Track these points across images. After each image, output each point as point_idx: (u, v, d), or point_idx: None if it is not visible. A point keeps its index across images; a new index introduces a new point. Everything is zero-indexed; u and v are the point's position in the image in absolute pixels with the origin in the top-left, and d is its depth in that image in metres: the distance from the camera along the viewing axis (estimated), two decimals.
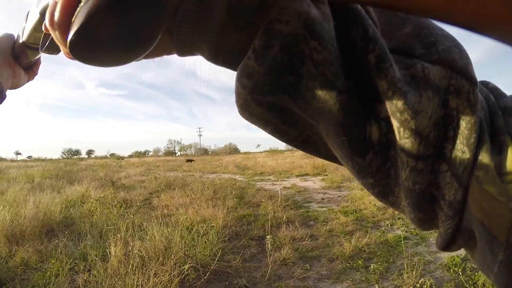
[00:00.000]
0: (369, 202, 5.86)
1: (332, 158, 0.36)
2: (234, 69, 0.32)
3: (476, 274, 2.97)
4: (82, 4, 0.24)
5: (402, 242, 3.83)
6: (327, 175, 10.63)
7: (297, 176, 11.46)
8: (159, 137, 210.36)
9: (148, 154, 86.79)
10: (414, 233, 4.33)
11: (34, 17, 0.47)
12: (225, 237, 4.22)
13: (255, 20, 0.28)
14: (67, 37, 0.25)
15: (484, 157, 0.28)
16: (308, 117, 0.31)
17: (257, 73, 0.29)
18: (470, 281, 2.89)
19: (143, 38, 0.27)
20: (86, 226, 4.62)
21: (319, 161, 13.66)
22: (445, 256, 3.48)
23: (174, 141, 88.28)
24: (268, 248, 3.72)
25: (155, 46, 0.28)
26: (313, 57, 0.27)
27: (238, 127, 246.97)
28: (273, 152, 52.23)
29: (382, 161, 0.31)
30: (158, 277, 2.96)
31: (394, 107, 0.28)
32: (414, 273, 3.02)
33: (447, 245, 0.34)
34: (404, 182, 0.31)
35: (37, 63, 0.68)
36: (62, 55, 0.35)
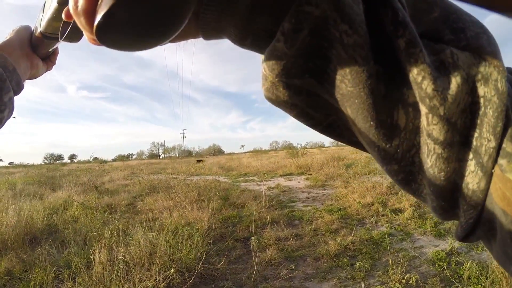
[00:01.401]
0: (353, 200, 5.90)
1: (356, 144, 0.35)
2: (262, 52, 0.32)
3: (461, 268, 3.01)
4: None
5: (387, 238, 3.86)
6: (311, 174, 10.72)
7: (281, 175, 11.44)
8: (142, 140, 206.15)
9: (132, 158, 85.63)
10: (399, 229, 4.38)
11: (52, 7, 0.47)
12: (210, 239, 4.20)
13: (284, 2, 0.28)
14: (93, 22, 0.25)
15: (509, 146, 0.27)
16: (335, 102, 0.31)
17: (285, 56, 0.29)
18: (455, 275, 2.92)
19: (171, 21, 0.26)
20: (70, 233, 4.49)
21: (303, 160, 13.78)
22: (430, 251, 3.53)
23: (158, 143, 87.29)
24: (253, 249, 3.68)
25: (183, 29, 0.28)
26: (343, 41, 0.27)
27: (221, 127, 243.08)
28: (257, 152, 52.41)
29: (407, 148, 0.31)
30: (144, 282, 2.91)
31: (424, 93, 0.28)
32: (399, 269, 3.03)
33: (466, 236, 0.33)
34: (429, 170, 0.30)
35: (55, 53, 0.69)
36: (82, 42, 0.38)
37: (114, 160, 73.00)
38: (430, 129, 0.28)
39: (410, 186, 0.33)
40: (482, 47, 0.29)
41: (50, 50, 0.64)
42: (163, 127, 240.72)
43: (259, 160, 20.09)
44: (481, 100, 0.28)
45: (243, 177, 11.93)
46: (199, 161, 26.65)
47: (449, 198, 0.31)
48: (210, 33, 0.32)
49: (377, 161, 0.33)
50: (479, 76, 0.28)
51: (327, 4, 0.26)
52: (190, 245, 3.70)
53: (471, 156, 0.29)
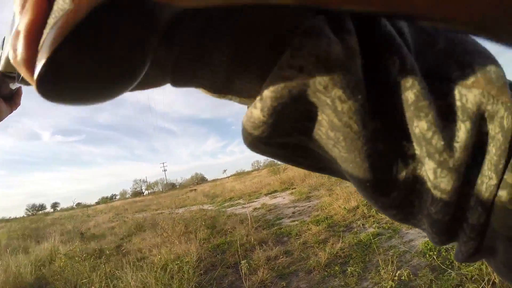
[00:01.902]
0: (338, 206, 5.89)
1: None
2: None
3: (451, 253, 3.02)
4: (47, 30, 0.19)
5: (375, 239, 3.88)
6: (295, 188, 10.66)
7: (266, 194, 11.35)
8: (124, 179, 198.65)
9: (115, 198, 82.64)
10: (386, 227, 4.38)
11: (9, 45, 0.44)
12: (201, 270, 4.10)
13: (266, 62, 0.25)
14: (33, 75, 0.20)
15: (509, 177, 0.26)
16: (328, 160, 0.29)
17: (264, 124, 0.26)
18: (447, 262, 2.94)
19: (125, 71, 0.22)
20: (60, 284, 4.34)
21: (285, 175, 13.77)
22: (419, 243, 3.54)
23: (140, 180, 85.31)
24: (243, 273, 3.63)
25: (142, 78, 0.24)
26: (336, 108, 0.24)
27: (202, 155, 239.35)
28: (240, 174, 52.10)
29: (406, 195, 0.29)
30: None
31: (433, 149, 0.26)
32: (390, 267, 3.03)
33: (468, 259, 0.32)
34: (433, 215, 0.29)
35: (18, 92, 0.62)
36: None
37: (97, 203, 70.36)
38: (438, 182, 0.27)
39: (408, 222, 0.32)
40: (491, 82, 0.26)
41: (13, 89, 0.59)
42: (143, 163, 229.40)
43: (243, 183, 19.91)
44: (485, 138, 0.27)
45: (229, 202, 11.75)
46: (192, 190, 26.52)
47: (450, 232, 0.30)
48: (181, 84, 0.29)
49: (374, 208, 0.32)
50: (486, 115, 0.26)
51: (314, 67, 0.22)
52: (181, 279, 3.60)
53: (471, 193, 0.28)
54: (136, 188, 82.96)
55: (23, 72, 0.22)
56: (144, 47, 0.22)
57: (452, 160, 0.26)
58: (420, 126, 0.25)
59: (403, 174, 0.28)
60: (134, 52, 0.22)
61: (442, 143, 0.25)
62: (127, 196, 79.29)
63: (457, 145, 0.26)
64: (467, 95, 0.26)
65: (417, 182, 0.28)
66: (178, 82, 0.28)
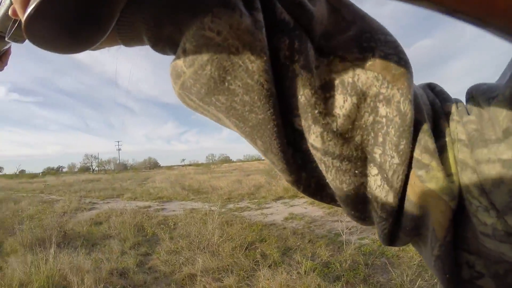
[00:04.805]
0: None
1: None
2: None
3: None
4: None
5: None
6: (303, 197, 9.57)
7: (273, 200, 10.20)
8: (74, 151, 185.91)
9: (61, 170, 75.87)
10: None
11: (5, 4, 0.43)
12: None
13: (186, 18, 0.29)
14: (25, 12, 0.24)
15: (424, 158, 0.30)
16: (246, 134, 0.34)
17: (184, 74, 0.31)
18: None
19: (105, 17, 0.27)
20: None
21: (284, 182, 12.57)
22: None
23: (91, 156, 78.19)
24: None
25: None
26: (247, 67, 0.29)
27: (156, 139, 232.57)
28: (198, 166, 50.48)
29: (304, 161, 0.34)
30: None
31: (317, 113, 0.30)
32: None
33: (390, 242, 0.35)
34: (331, 183, 0.33)
35: (6, 52, 0.60)
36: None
37: (43, 173, 62.59)
38: (326, 146, 0.31)
39: (321, 195, 0.37)
40: (388, 69, 0.30)
41: (1, 50, 0.56)
42: (96, 137, 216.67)
43: (216, 178, 18.47)
44: (384, 120, 0.30)
45: (232, 204, 10.20)
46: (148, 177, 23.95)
47: (360, 209, 0.34)
48: (127, 41, 0.33)
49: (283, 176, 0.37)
50: (381, 97, 0.30)
51: (229, 33, 0.28)
52: None
53: (376, 171, 0.31)
54: (86, 164, 77.06)
55: (18, 9, 0.27)
56: (113, 6, 0.27)
57: (335, 124, 0.30)
58: (306, 93, 0.30)
59: (296, 146, 0.33)
60: (107, 5, 0.27)
61: (325, 107, 0.30)
62: (75, 170, 73.64)
63: (340, 113, 0.30)
64: (360, 74, 0.30)
65: (307, 156, 0.33)
66: (124, 38, 0.33)
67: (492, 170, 0.28)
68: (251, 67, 0.28)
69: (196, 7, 0.28)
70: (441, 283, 0.32)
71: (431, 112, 0.34)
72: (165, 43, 0.32)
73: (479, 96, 0.33)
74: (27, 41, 0.44)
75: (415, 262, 3.92)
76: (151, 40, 0.32)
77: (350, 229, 5.42)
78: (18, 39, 0.46)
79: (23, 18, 0.25)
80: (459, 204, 0.29)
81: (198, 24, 0.28)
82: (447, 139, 0.31)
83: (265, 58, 0.29)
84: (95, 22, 0.26)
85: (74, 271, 4.04)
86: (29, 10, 0.24)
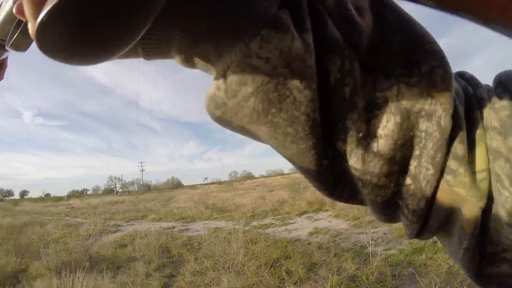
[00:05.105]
0: None
1: None
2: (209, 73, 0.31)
3: None
4: None
5: None
6: (327, 210, 9.52)
7: (297, 215, 9.95)
8: (98, 173, 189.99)
9: (86, 193, 77.40)
10: None
11: (5, 8, 0.38)
12: None
13: (229, 37, 0.26)
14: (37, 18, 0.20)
15: (452, 164, 0.29)
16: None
17: (225, 105, 0.28)
18: None
19: (129, 29, 0.22)
20: None
21: (308, 196, 12.41)
22: None
23: (115, 178, 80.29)
24: None
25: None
26: (295, 98, 0.26)
27: (179, 158, 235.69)
28: (221, 184, 50.60)
29: (341, 177, 0.32)
30: None
31: (361, 136, 0.29)
32: None
33: (416, 237, 0.35)
34: (366, 196, 0.32)
35: (3, 65, 0.54)
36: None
37: (68, 196, 63.78)
38: (366, 167, 0.30)
39: (353, 201, 0.35)
40: (433, 84, 0.29)
41: None
42: (120, 159, 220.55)
43: (239, 196, 18.38)
44: (423, 134, 0.29)
45: (256, 221, 9.99)
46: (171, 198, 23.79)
47: (389, 213, 0.34)
48: (153, 52, 0.29)
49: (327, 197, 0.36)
50: (423, 113, 0.29)
51: (278, 60, 0.25)
52: None
53: (410, 181, 0.30)
54: (110, 185, 78.96)
55: (29, 10, 0.22)
56: (149, 4, 0.21)
57: (375, 145, 0.29)
58: (353, 118, 0.29)
59: (333, 168, 0.31)
60: (138, 7, 0.21)
61: (367, 129, 0.29)
62: (100, 192, 75.14)
63: (382, 133, 0.29)
64: (404, 92, 0.29)
65: (344, 173, 0.32)
66: (149, 51, 0.29)
67: None
68: (298, 98, 0.26)
69: (240, 25, 0.25)
70: (469, 271, 0.32)
71: (464, 101, 0.33)
72: (197, 62, 0.29)
73: (509, 82, 0.32)
74: (27, 49, 0.40)
75: (443, 270, 3.81)
76: (181, 57, 0.29)
77: (375, 240, 5.29)
78: (20, 46, 0.41)
79: (36, 20, 0.20)
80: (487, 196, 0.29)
81: (244, 50, 0.25)
82: (479, 131, 0.31)
83: (314, 86, 0.27)
84: (121, 28, 0.22)
85: None
86: (45, 10, 0.19)
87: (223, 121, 0.30)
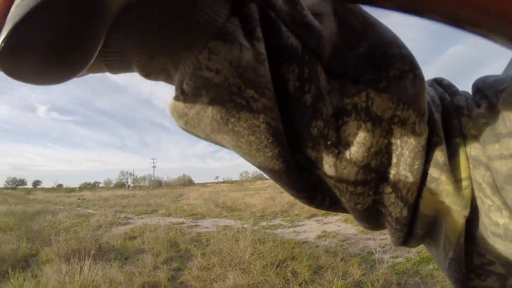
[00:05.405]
0: None
1: None
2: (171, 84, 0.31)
3: None
4: (13, 8, 0.19)
5: None
6: (336, 214, 9.33)
7: (306, 218, 9.95)
8: (109, 168, 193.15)
9: (98, 186, 79.10)
10: None
11: None
12: None
13: (180, 50, 0.26)
14: None
15: (434, 172, 0.29)
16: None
17: (187, 115, 0.28)
18: None
19: (86, 47, 0.22)
20: None
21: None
22: None
23: (127, 172, 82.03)
24: None
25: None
26: (251, 107, 0.26)
27: (191, 157, 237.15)
28: (232, 183, 50.66)
29: (318, 184, 0.32)
30: None
31: (330, 143, 0.29)
32: None
33: (402, 244, 0.35)
34: (346, 204, 0.32)
35: None
36: None
37: (80, 188, 64.86)
38: (340, 174, 0.29)
39: (335, 209, 0.35)
40: (403, 90, 0.28)
41: None
42: (131, 155, 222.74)
43: (251, 196, 18.31)
44: (398, 142, 0.29)
45: (265, 221, 10.03)
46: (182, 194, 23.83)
47: (374, 221, 0.34)
48: (115, 69, 0.29)
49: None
50: (396, 120, 0.29)
51: (229, 71, 0.25)
52: None
53: (390, 190, 0.30)
54: (121, 180, 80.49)
55: None
56: (96, 28, 0.22)
57: (348, 152, 0.29)
58: (318, 125, 0.28)
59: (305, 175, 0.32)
60: (87, 32, 0.21)
61: (337, 136, 0.29)
62: (111, 186, 76.58)
63: (354, 140, 0.29)
64: (374, 98, 0.28)
65: (321, 180, 0.32)
66: (112, 66, 0.28)
67: (504, 166, 0.27)
68: (255, 107, 0.26)
69: (189, 37, 0.25)
70: (455, 282, 0.33)
71: (441, 108, 0.33)
72: (158, 74, 0.29)
73: (487, 89, 0.31)
74: None
75: (449, 282, 3.68)
76: (142, 71, 0.29)
77: (383, 247, 5.24)
78: None
79: None
80: (471, 205, 0.30)
81: (195, 63, 0.25)
82: (458, 139, 0.31)
83: (270, 95, 0.26)
84: (77, 48, 0.22)
85: (107, 283, 4.12)
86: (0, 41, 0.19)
87: (189, 130, 0.31)
